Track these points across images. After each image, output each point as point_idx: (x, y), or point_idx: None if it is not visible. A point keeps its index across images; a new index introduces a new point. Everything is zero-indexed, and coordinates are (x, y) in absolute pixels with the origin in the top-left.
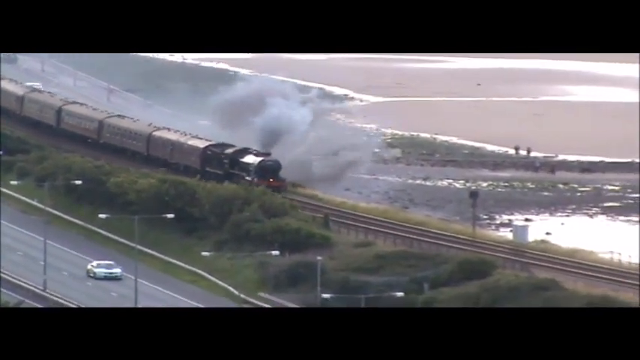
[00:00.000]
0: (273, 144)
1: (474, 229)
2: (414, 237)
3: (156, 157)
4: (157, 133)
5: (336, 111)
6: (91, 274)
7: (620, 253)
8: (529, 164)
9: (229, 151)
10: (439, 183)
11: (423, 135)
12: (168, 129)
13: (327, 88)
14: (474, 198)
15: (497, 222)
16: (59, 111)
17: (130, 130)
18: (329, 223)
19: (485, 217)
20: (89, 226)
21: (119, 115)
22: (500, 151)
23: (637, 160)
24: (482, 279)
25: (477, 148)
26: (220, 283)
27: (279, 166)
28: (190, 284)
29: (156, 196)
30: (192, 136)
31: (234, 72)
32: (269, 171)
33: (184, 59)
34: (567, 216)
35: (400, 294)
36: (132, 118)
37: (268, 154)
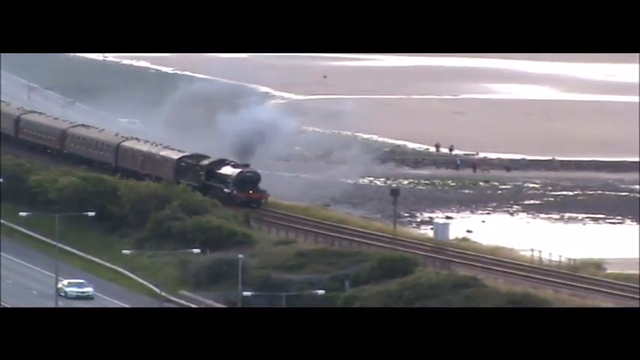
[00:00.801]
0: (250, 153)
1: (395, 227)
2: (335, 235)
3: (125, 168)
4: (127, 144)
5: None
6: (62, 294)
7: (540, 251)
8: (450, 162)
9: (205, 162)
10: (360, 181)
11: (343, 133)
12: (137, 139)
13: (248, 85)
14: (395, 196)
15: (419, 220)
16: (17, 120)
17: (97, 140)
18: (250, 221)
19: (406, 214)
20: (10, 224)
21: (83, 125)
22: (422, 149)
23: (557, 158)
24: (404, 276)
25: (398, 146)
26: (141, 281)
27: (258, 177)
28: (111, 282)
29: (77, 194)
30: (164, 147)
31: (156, 70)
32: (248, 183)
33: (105, 57)
34: (488, 214)
35: (321, 292)
36: (97, 128)
37: (247, 166)
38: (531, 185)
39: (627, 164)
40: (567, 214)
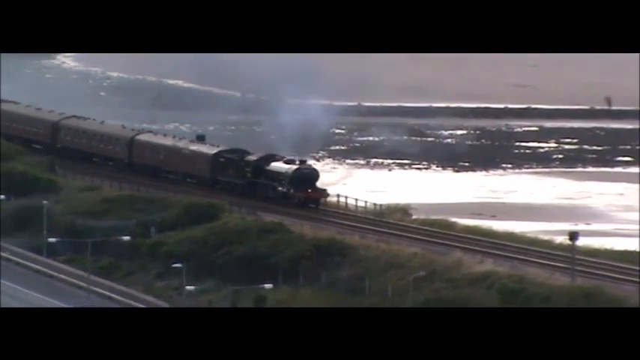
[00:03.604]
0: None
1: None
2: (141, 181)
3: (142, 164)
4: (143, 137)
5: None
6: None
7: (346, 197)
8: (257, 107)
9: (252, 157)
10: (166, 126)
11: (149, 79)
12: (153, 132)
13: None
14: (200, 141)
15: None
16: None
17: (101, 134)
18: (55, 168)
19: None
20: None
21: (76, 116)
22: (228, 95)
23: (364, 104)
24: (210, 222)
25: (205, 92)
26: None
27: (317, 174)
28: None
29: None
30: (190, 141)
31: None
32: (307, 181)
33: None
34: (87, 118)
35: (127, 238)
36: (94, 119)
37: (304, 162)
38: (337, 131)
39: (433, 110)
40: (374, 160)
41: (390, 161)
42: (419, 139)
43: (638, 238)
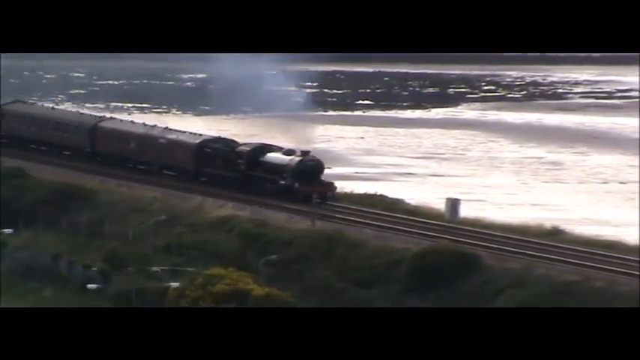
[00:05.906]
0: None
1: None
2: None
3: (107, 154)
4: (107, 124)
5: None
6: None
7: None
8: None
9: (245, 148)
10: None
11: None
12: (119, 119)
13: None
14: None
15: None
16: None
17: (57, 121)
18: None
19: None
20: None
21: (20, 100)
22: None
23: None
24: None
25: None
26: None
27: (322, 166)
28: None
29: None
30: (165, 128)
31: None
32: (312, 174)
33: None
34: (33, 104)
35: None
36: (42, 104)
37: (307, 153)
38: (77, 74)
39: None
40: (113, 104)
41: (129, 105)
42: (159, 82)
43: (388, 182)
